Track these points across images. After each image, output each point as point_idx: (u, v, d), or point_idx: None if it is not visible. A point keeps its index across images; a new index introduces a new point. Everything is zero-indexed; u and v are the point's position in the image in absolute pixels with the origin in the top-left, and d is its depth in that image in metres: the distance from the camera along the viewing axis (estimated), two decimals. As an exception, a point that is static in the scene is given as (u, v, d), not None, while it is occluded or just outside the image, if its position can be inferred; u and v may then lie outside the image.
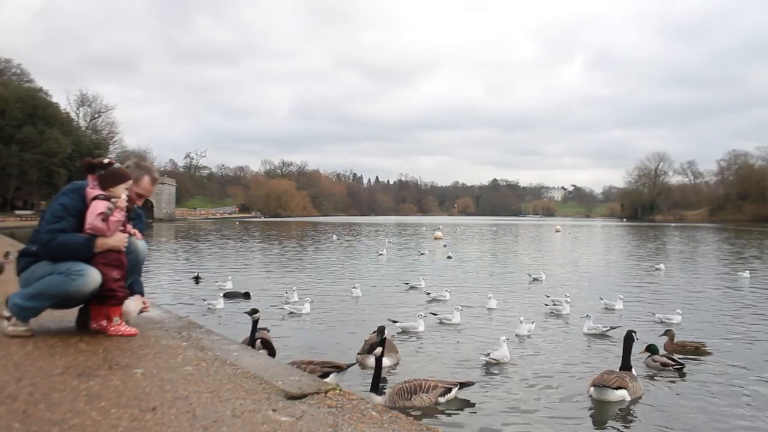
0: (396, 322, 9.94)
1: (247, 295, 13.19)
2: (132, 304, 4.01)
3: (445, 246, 33.40)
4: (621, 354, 7.06)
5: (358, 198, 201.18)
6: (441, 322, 10.38)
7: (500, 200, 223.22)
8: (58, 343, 3.55)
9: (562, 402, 6.35)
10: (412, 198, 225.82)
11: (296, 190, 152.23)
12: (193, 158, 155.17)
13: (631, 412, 6.15)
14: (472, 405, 6.17)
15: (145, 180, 4.20)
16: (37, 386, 2.67)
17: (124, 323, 3.87)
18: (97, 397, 2.54)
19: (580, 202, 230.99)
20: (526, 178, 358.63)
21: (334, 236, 41.62)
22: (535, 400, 6.41)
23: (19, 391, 2.59)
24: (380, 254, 26.52)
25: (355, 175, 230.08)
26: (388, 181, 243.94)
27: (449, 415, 5.92)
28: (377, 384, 5.97)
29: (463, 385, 6.32)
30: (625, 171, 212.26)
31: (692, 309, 12.30)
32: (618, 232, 63.53)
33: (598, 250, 34.40)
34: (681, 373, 7.51)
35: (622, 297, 12.58)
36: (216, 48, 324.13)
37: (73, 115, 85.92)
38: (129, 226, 4.01)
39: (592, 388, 6.37)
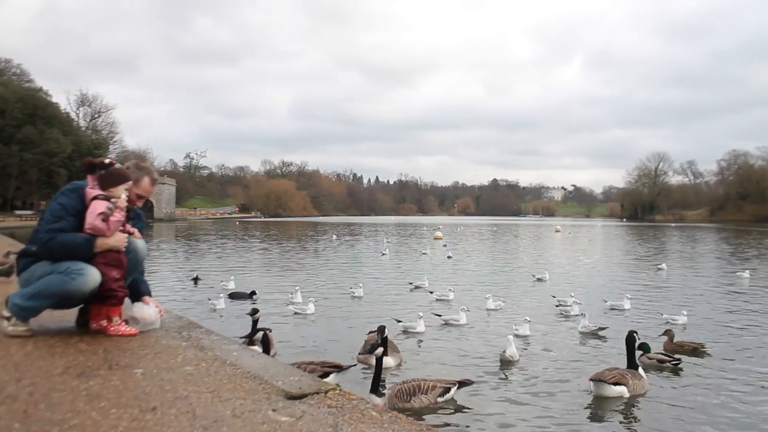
0: (400, 321, 9.97)
1: (252, 295, 13.15)
2: (149, 311, 3.98)
3: (445, 246, 33.43)
4: (625, 353, 7.10)
5: (358, 198, 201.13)
6: (447, 324, 10.37)
7: (500, 200, 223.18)
8: (58, 343, 3.55)
9: (562, 400, 6.36)
10: (412, 198, 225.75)
11: (296, 190, 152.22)
12: (193, 158, 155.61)
13: (631, 409, 6.18)
14: (472, 405, 6.17)
15: (145, 181, 4.19)
16: (37, 386, 2.67)
17: (124, 323, 3.86)
18: (97, 397, 2.54)
19: (580, 202, 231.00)
20: (526, 178, 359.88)
21: (334, 236, 41.63)
22: (534, 398, 6.42)
23: (19, 391, 2.58)
24: (383, 254, 26.58)
25: (355, 175, 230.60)
26: (388, 181, 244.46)
27: (449, 414, 5.92)
28: (377, 385, 5.95)
29: (461, 384, 6.30)
30: (625, 171, 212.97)
31: (695, 309, 12.30)
32: (618, 232, 63.51)
33: (599, 250, 34.40)
34: (677, 370, 7.55)
35: (629, 297, 12.58)
36: (216, 48, 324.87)
37: (73, 115, 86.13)
38: (128, 225, 4.01)
39: (591, 383, 6.47)
